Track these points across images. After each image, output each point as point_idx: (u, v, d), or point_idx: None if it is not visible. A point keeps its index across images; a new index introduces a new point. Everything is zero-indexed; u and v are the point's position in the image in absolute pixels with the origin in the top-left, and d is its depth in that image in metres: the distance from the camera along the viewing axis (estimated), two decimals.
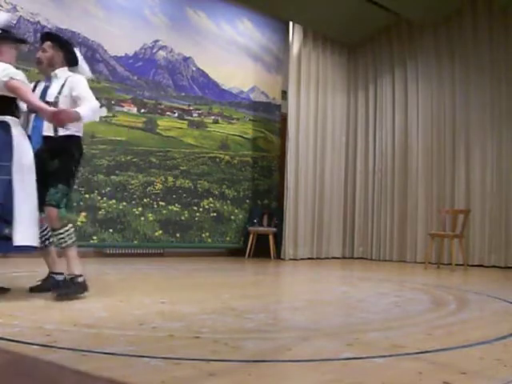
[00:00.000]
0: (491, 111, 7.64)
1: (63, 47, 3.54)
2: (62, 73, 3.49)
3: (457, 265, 6.89)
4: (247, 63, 8.68)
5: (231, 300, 3.55)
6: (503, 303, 3.75)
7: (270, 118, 8.99)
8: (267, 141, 8.93)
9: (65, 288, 3.31)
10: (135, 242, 7.20)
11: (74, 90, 3.38)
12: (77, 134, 3.45)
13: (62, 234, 3.36)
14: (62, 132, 3.35)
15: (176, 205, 7.67)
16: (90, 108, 3.30)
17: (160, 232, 7.46)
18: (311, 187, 8.63)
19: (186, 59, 7.97)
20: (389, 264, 7.91)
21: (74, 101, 3.35)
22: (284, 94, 8.87)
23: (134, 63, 7.44)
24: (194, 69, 8.06)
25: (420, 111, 8.40)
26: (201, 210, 7.94)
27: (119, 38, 7.22)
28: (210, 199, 8.06)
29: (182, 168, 7.78)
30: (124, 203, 7.15)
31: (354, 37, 9.03)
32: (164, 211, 7.52)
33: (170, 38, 7.76)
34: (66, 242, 3.36)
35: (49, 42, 3.52)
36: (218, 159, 8.22)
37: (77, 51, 3.61)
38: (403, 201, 8.44)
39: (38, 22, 6.52)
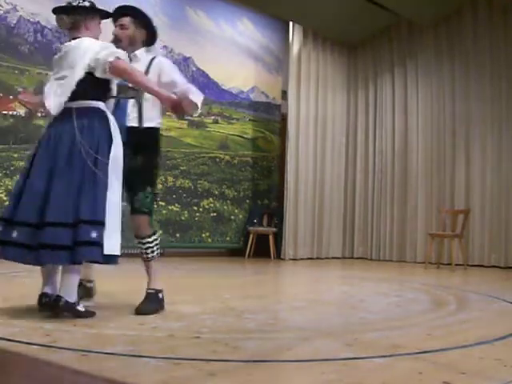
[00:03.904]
0: (491, 111, 7.64)
1: (148, 25, 3.03)
2: (143, 54, 3.01)
3: (457, 265, 6.88)
4: (247, 63, 8.68)
5: (231, 300, 3.55)
6: (503, 303, 3.74)
7: (270, 118, 8.99)
8: (267, 141, 8.92)
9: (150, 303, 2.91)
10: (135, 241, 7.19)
11: (164, 74, 2.93)
12: (159, 125, 3.04)
13: (151, 242, 3.12)
14: (147, 123, 2.93)
15: (176, 205, 7.66)
16: (198, 95, 2.85)
17: (160, 232, 7.45)
18: (311, 187, 8.62)
19: (185, 59, 7.97)
20: (389, 264, 7.90)
21: (165, 87, 2.82)
22: (284, 94, 8.86)
23: None
24: (193, 69, 8.06)
25: (420, 111, 8.40)
26: (201, 210, 7.93)
27: None
28: (210, 199, 8.06)
29: (181, 168, 7.77)
30: (124, 203, 7.12)
31: (354, 37, 9.03)
32: (164, 211, 7.51)
33: (170, 37, 7.75)
34: (153, 251, 3.13)
35: (128, 18, 2.98)
36: (217, 159, 8.22)
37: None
38: (403, 201, 8.44)
39: (38, 22, 6.52)
